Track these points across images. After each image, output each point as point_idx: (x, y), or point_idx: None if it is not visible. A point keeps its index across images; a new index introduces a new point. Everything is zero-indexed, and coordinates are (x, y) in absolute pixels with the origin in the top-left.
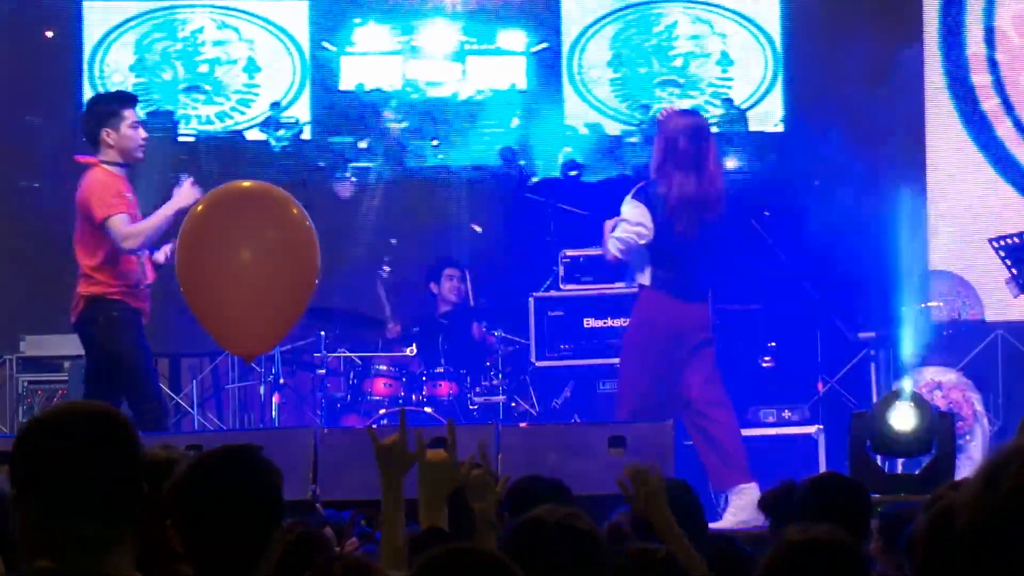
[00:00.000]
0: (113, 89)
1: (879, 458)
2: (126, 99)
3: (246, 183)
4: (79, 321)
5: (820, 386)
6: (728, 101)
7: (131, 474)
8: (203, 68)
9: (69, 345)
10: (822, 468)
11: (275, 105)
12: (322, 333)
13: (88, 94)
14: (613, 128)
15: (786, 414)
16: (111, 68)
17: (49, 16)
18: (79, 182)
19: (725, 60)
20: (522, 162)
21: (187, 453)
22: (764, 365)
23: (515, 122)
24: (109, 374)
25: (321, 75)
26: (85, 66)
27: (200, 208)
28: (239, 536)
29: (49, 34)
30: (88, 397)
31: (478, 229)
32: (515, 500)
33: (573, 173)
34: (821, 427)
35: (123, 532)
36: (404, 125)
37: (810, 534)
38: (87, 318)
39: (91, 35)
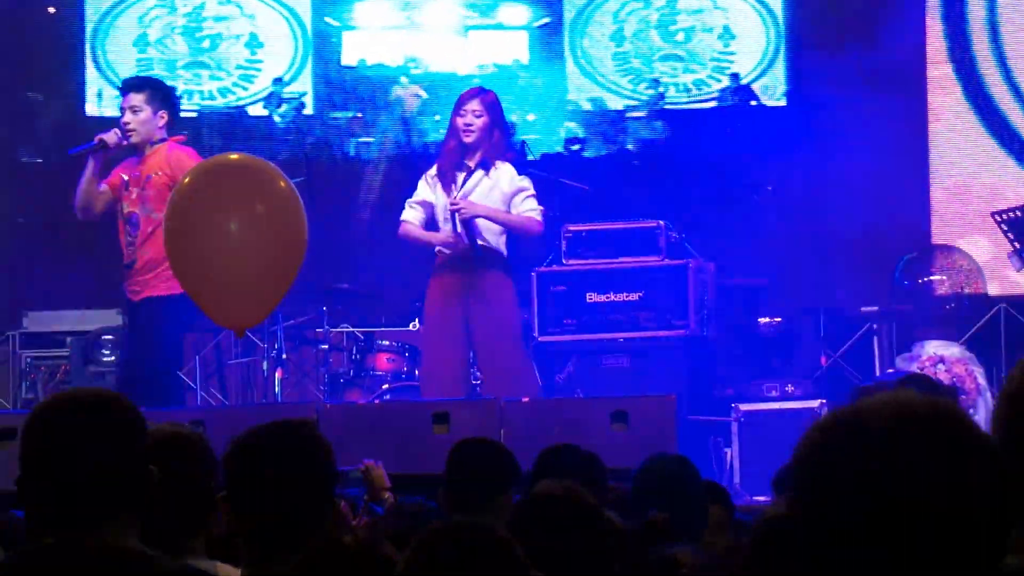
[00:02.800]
0: (113, 65)
1: None
2: (121, 89)
3: (233, 155)
4: None
5: (823, 360)
6: (735, 76)
7: (135, 457)
8: (205, 44)
9: (71, 320)
10: None
11: (277, 81)
12: (324, 308)
13: (90, 70)
14: (616, 103)
15: (789, 388)
16: (113, 44)
17: None
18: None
19: (727, 34)
20: (524, 136)
21: (194, 429)
22: (763, 333)
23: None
24: None
25: (323, 50)
26: (87, 42)
27: (187, 180)
28: (294, 512)
29: (51, 10)
30: None
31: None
32: (544, 469)
33: (575, 148)
34: (824, 401)
35: (127, 511)
36: (424, 97)
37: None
38: None
39: (93, 11)
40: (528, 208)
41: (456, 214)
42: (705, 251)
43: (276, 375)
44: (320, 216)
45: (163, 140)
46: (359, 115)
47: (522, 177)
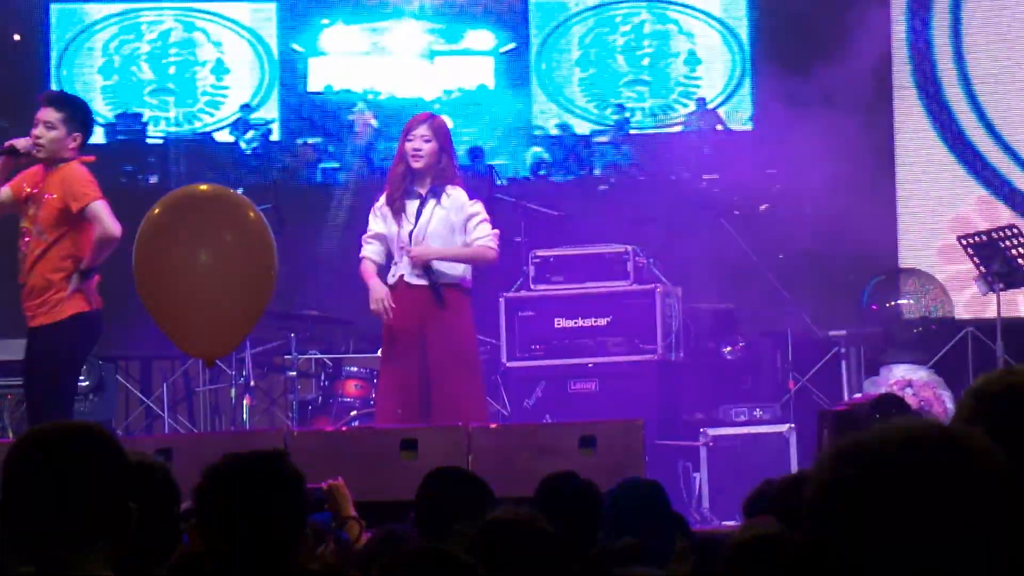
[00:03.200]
0: (80, 92)
1: None
2: (39, 100)
3: (203, 186)
4: None
5: (791, 384)
6: (701, 100)
7: (113, 488)
8: (171, 70)
9: None
10: (794, 467)
11: (245, 107)
12: (292, 335)
13: None
14: (582, 127)
15: (757, 413)
16: (79, 71)
17: (16, 19)
18: None
19: (692, 59)
20: (491, 162)
21: (156, 457)
22: (729, 358)
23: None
24: None
25: (289, 77)
26: (53, 69)
27: (156, 211)
28: (266, 542)
29: (17, 37)
30: None
31: None
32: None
33: (543, 172)
34: (792, 426)
35: (104, 541)
36: (375, 124)
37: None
38: None
39: (58, 38)
40: (481, 234)
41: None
42: (673, 276)
43: (244, 402)
44: (288, 242)
45: (67, 161)
46: (326, 142)
47: (473, 202)
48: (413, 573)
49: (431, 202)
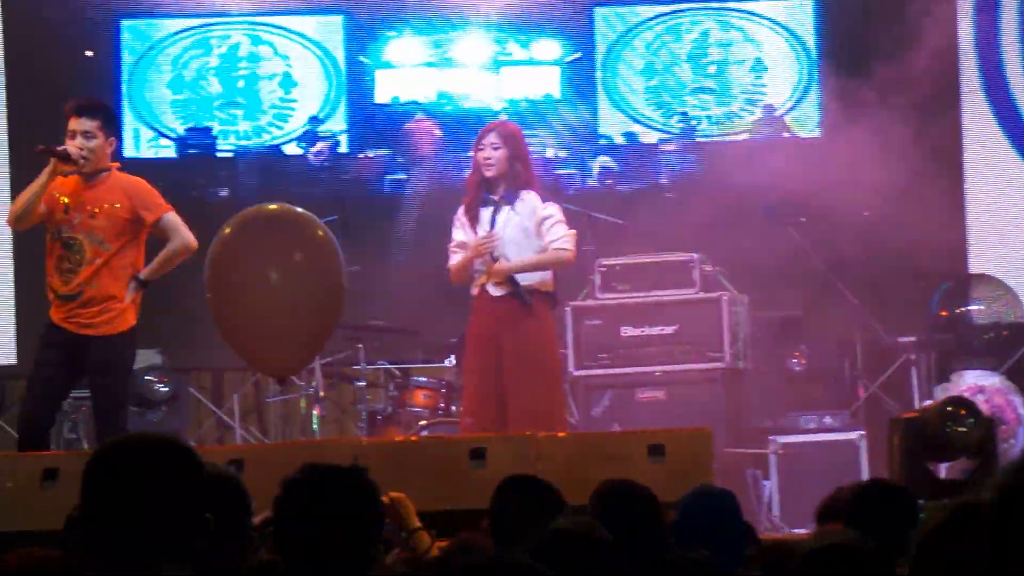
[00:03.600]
0: (151, 106)
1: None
2: (71, 108)
3: (272, 206)
4: None
5: (861, 392)
6: (769, 107)
7: (192, 500)
8: (240, 84)
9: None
10: (864, 474)
11: (312, 119)
12: (361, 346)
13: (126, 113)
14: (648, 136)
15: (827, 420)
16: (149, 86)
17: (87, 35)
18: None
19: (759, 66)
20: (557, 171)
21: (228, 468)
22: (797, 369)
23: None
24: None
25: (357, 89)
26: (124, 85)
27: (227, 231)
28: (343, 551)
29: (89, 53)
30: None
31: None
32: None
33: (609, 182)
34: (863, 433)
35: (182, 553)
36: (438, 133)
37: (827, 540)
38: None
39: (129, 53)
40: (556, 236)
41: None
42: (739, 283)
43: (314, 412)
44: (355, 254)
45: (108, 170)
46: (394, 154)
47: (547, 205)
48: None
49: (505, 208)
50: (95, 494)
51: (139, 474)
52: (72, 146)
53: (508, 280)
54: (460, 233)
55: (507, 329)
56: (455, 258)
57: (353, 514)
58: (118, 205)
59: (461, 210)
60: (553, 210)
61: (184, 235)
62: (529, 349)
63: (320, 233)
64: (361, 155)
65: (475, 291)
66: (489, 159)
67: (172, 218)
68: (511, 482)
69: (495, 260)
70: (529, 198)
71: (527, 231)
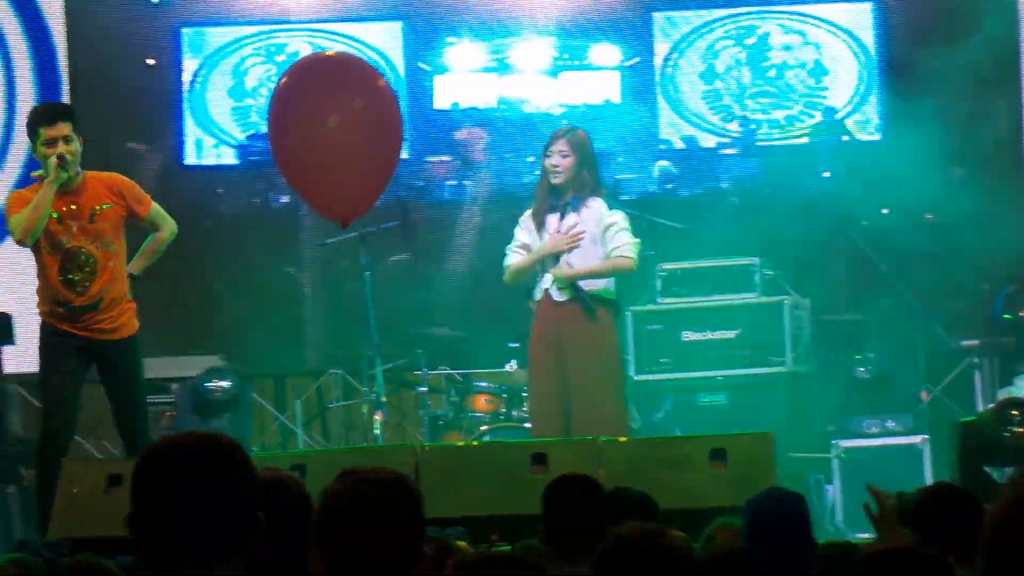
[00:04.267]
0: (211, 114)
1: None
2: (43, 117)
3: (330, 52)
4: None
5: (924, 396)
6: (830, 110)
7: (243, 500)
8: None
9: (177, 367)
10: (928, 478)
11: None
12: (422, 351)
13: (188, 121)
14: (708, 140)
15: (890, 424)
16: (210, 94)
17: (149, 43)
18: None
19: (819, 69)
20: (617, 176)
21: (291, 473)
22: (860, 375)
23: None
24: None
25: (416, 95)
26: (185, 93)
27: (286, 79)
28: (383, 562)
29: (151, 62)
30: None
31: None
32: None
33: (669, 186)
34: (926, 437)
35: (233, 553)
36: (485, 138)
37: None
38: None
39: (190, 62)
40: (619, 243)
41: (555, 280)
42: (801, 287)
43: (376, 418)
44: (416, 259)
45: (80, 172)
46: (453, 159)
47: (612, 212)
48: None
49: (571, 215)
50: (144, 494)
51: (188, 473)
52: (61, 152)
53: (571, 285)
54: (525, 235)
55: (570, 334)
56: (515, 257)
57: (395, 522)
58: (111, 204)
59: (528, 213)
60: (618, 217)
61: (172, 222)
62: (592, 354)
63: (380, 82)
64: (421, 161)
65: (538, 296)
66: (557, 166)
67: (157, 206)
68: (561, 481)
69: (555, 264)
70: (595, 205)
71: (593, 237)
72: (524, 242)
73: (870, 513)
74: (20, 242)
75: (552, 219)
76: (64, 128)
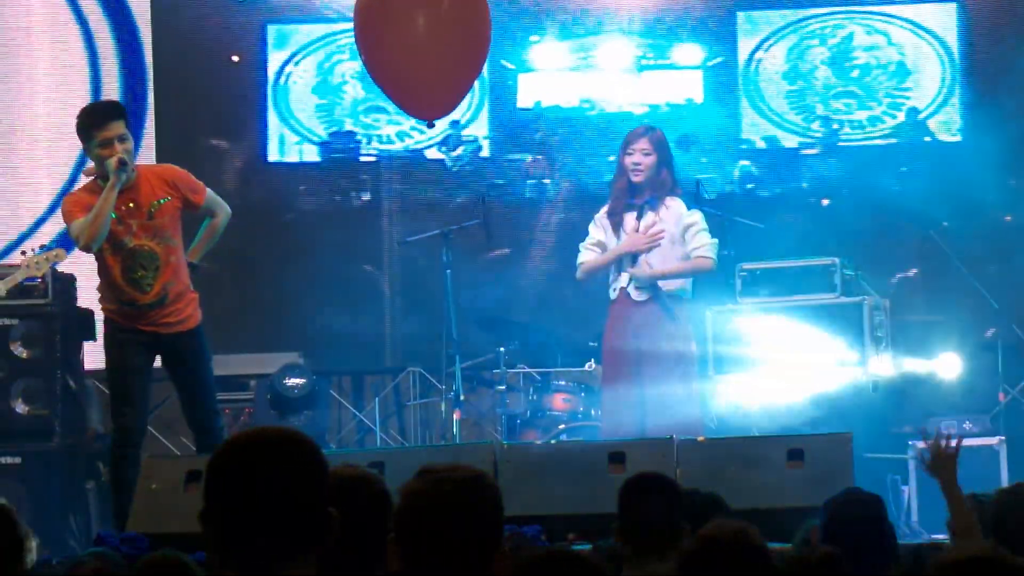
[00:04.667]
0: (295, 111)
1: None
2: (95, 118)
3: None
4: None
5: (1001, 397)
6: (913, 111)
7: (317, 495)
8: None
9: (255, 364)
10: (1004, 480)
11: (455, 124)
12: (501, 349)
13: (272, 118)
14: (789, 140)
15: (967, 425)
16: (294, 90)
17: (235, 40)
18: None
19: (902, 70)
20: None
21: (370, 471)
22: (938, 371)
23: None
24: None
25: (499, 93)
26: (269, 89)
27: None
28: (463, 559)
29: (235, 59)
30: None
31: None
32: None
33: (750, 186)
34: (1003, 438)
35: (307, 549)
36: (555, 140)
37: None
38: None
39: (275, 58)
40: (699, 244)
41: (633, 280)
42: (880, 287)
43: (454, 416)
44: (496, 258)
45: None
46: (539, 157)
47: (691, 212)
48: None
49: (649, 214)
50: (218, 490)
51: (261, 469)
52: (120, 153)
53: (650, 285)
54: (600, 233)
55: (647, 334)
56: (588, 255)
57: (472, 520)
58: (169, 198)
59: (604, 211)
60: (697, 217)
61: (226, 206)
62: (671, 354)
63: None
64: (502, 159)
65: (614, 295)
66: (639, 164)
67: (211, 192)
68: (634, 482)
69: (634, 263)
70: (674, 205)
71: (671, 237)
72: (599, 240)
73: (923, 460)
74: (85, 248)
75: (629, 218)
76: (118, 127)
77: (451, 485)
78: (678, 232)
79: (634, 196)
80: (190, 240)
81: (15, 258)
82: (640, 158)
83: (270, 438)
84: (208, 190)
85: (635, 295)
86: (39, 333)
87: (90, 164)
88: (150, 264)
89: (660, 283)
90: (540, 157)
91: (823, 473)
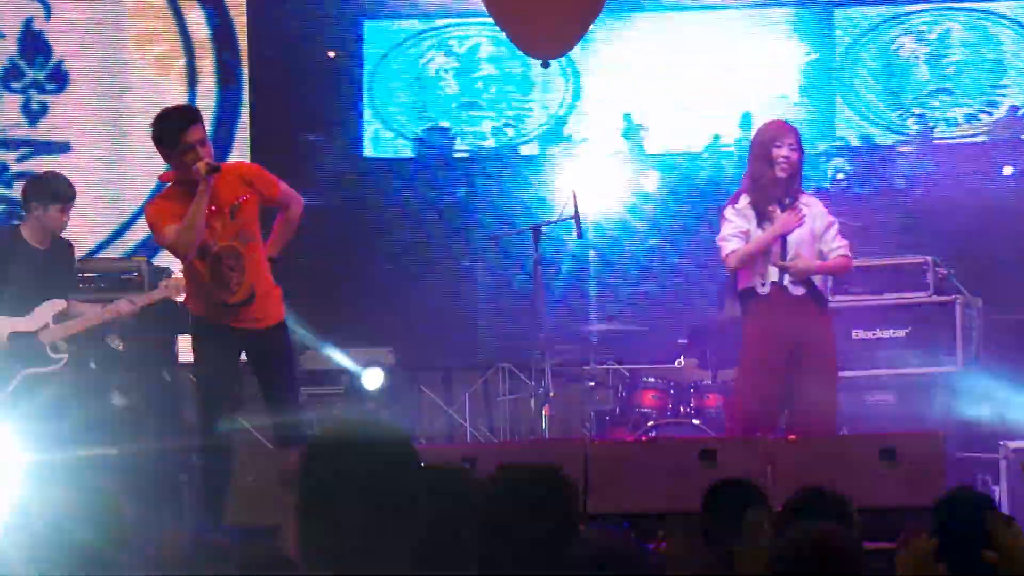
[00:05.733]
0: (390, 106)
1: None
2: (176, 123)
3: None
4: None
5: None
6: (1013, 108)
7: (410, 491)
8: (479, 84)
9: (348, 359)
10: None
11: (553, 119)
12: (589, 346)
13: (367, 114)
14: (884, 138)
15: None
16: (389, 86)
17: (331, 36)
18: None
19: (999, 67)
20: None
21: (462, 465)
22: None
23: None
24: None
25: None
26: (365, 84)
27: None
28: (537, 550)
29: (332, 54)
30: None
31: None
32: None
33: (844, 183)
34: None
35: (402, 543)
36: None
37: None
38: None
39: (370, 54)
40: (840, 244)
41: (786, 273)
42: (973, 286)
43: (543, 412)
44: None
45: None
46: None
47: (828, 214)
48: None
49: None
50: (314, 485)
51: (359, 464)
52: (207, 160)
53: (806, 280)
54: (743, 222)
55: (804, 330)
56: (736, 242)
57: (547, 512)
58: (246, 196)
59: (744, 202)
60: (834, 219)
61: (299, 197)
62: (823, 351)
63: None
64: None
65: (765, 289)
66: (789, 159)
67: (285, 185)
68: (721, 487)
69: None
70: (814, 202)
71: (814, 233)
72: (745, 229)
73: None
74: (182, 257)
75: (774, 211)
76: (199, 131)
77: (526, 477)
78: (820, 229)
79: (777, 190)
80: (265, 234)
81: (110, 252)
82: (789, 153)
83: (366, 433)
84: (282, 184)
85: (793, 290)
86: (135, 326)
87: (166, 170)
88: (236, 265)
89: (813, 280)
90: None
91: (915, 473)
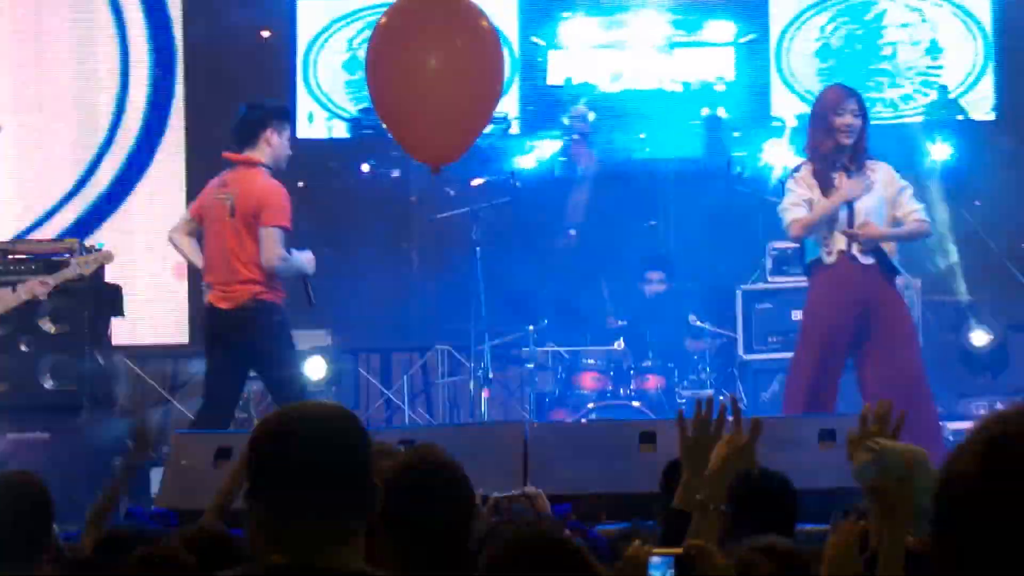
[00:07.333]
0: (324, 88)
1: None
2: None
3: None
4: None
5: None
6: (943, 88)
7: (363, 474)
8: None
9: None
10: None
11: None
12: (530, 328)
13: (301, 94)
14: None
15: (999, 406)
16: (323, 66)
17: (265, 15)
18: (236, 180)
19: (934, 48)
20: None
21: (399, 448)
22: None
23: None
24: (242, 371)
25: (529, 70)
26: (299, 64)
27: (384, 20)
28: (438, 535)
29: (265, 34)
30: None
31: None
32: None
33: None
34: None
35: (355, 528)
36: (592, 118)
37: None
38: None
39: (304, 33)
40: (914, 208)
41: (854, 241)
42: (911, 267)
43: (482, 394)
44: (525, 236)
45: None
46: (555, 134)
47: (902, 177)
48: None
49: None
50: (265, 467)
51: (312, 444)
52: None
53: (875, 249)
54: (807, 191)
55: (876, 299)
56: (799, 211)
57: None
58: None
59: (807, 171)
60: (907, 182)
61: (270, 252)
62: (898, 313)
63: (484, 23)
64: (532, 136)
65: (831, 258)
66: (852, 125)
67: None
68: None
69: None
70: (882, 168)
71: (882, 200)
72: (808, 197)
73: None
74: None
75: (839, 178)
76: None
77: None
78: (891, 195)
79: (840, 156)
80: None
81: (40, 233)
82: (852, 119)
83: (317, 412)
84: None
85: (862, 258)
86: (67, 308)
87: (256, 153)
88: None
89: (882, 247)
90: (577, 137)
91: None
